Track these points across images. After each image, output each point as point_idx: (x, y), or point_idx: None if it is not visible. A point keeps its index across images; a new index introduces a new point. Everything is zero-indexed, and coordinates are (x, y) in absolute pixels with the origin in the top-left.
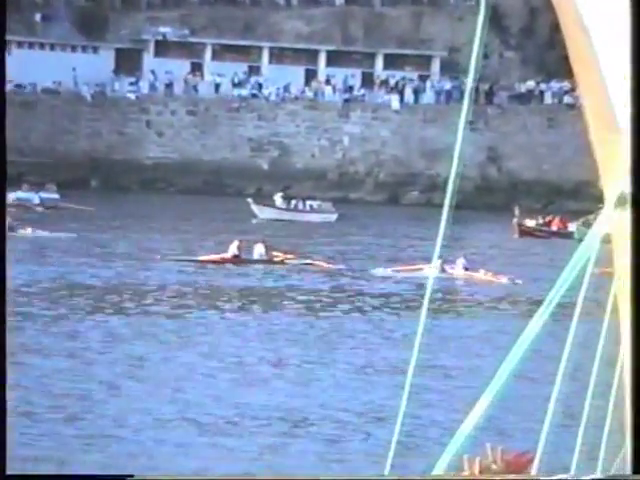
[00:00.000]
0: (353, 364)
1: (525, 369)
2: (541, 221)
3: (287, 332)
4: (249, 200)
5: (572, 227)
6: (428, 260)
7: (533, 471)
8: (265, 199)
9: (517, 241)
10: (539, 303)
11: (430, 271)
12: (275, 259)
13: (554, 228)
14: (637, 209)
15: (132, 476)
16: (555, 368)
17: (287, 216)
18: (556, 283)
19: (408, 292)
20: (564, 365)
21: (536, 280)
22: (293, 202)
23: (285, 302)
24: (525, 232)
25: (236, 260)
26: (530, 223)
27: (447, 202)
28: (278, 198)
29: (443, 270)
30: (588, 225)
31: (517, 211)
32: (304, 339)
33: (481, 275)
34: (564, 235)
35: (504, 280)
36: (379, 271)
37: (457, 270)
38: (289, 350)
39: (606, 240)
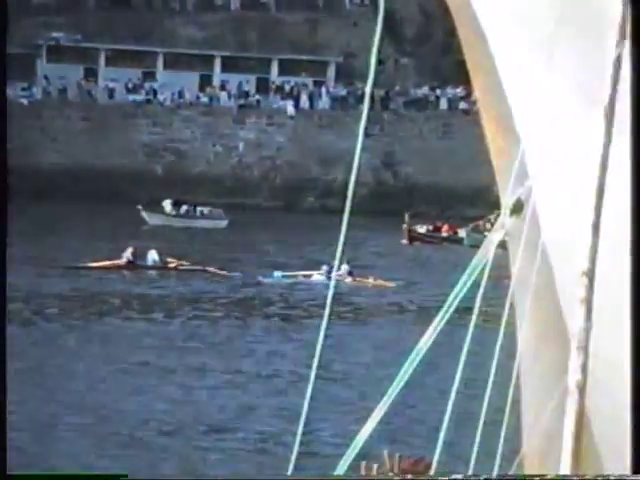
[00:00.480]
0: (246, 372)
1: (423, 376)
2: (431, 227)
3: (179, 339)
4: (139, 207)
5: (462, 233)
6: (319, 266)
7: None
8: (158, 205)
9: (407, 247)
10: (425, 308)
11: (319, 277)
12: (169, 265)
13: (444, 234)
14: (637, 209)
15: (126, 475)
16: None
17: (177, 222)
18: (452, 288)
19: (297, 298)
20: (460, 371)
21: (423, 285)
22: (184, 208)
23: (180, 308)
24: (415, 238)
25: (130, 266)
26: (420, 229)
27: (347, 208)
28: (167, 204)
29: (331, 276)
30: (478, 231)
31: (407, 217)
32: (193, 346)
33: (370, 280)
34: (454, 241)
35: (390, 285)
36: (270, 277)
37: (345, 276)
38: (183, 357)
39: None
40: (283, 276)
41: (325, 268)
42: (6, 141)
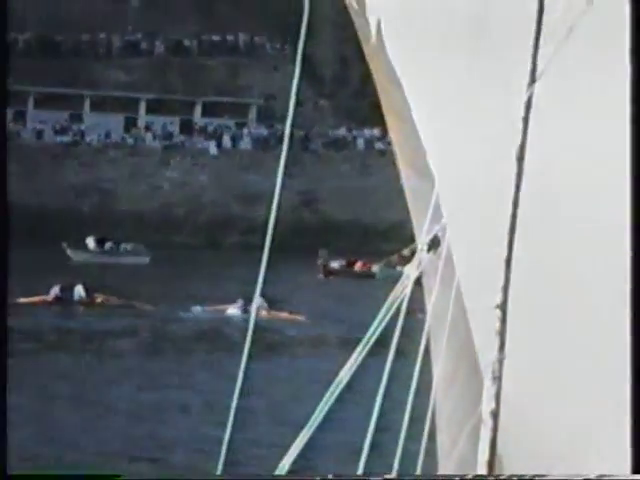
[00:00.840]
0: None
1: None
2: (345, 262)
3: (99, 373)
4: (64, 244)
5: (375, 268)
6: (236, 300)
7: None
8: (83, 243)
9: (322, 281)
10: (340, 339)
11: (234, 310)
12: (97, 300)
13: (357, 269)
14: (637, 211)
15: (119, 476)
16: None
17: (101, 259)
18: (367, 321)
19: (214, 331)
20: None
21: (334, 318)
22: (107, 245)
23: (105, 343)
24: (329, 272)
25: (58, 302)
26: (334, 264)
27: (267, 245)
28: (91, 241)
29: (246, 310)
30: (390, 266)
31: (321, 253)
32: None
33: (284, 314)
34: (367, 275)
35: (301, 319)
36: (189, 311)
37: (260, 310)
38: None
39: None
40: (203, 310)
41: (241, 302)
42: (6, 145)
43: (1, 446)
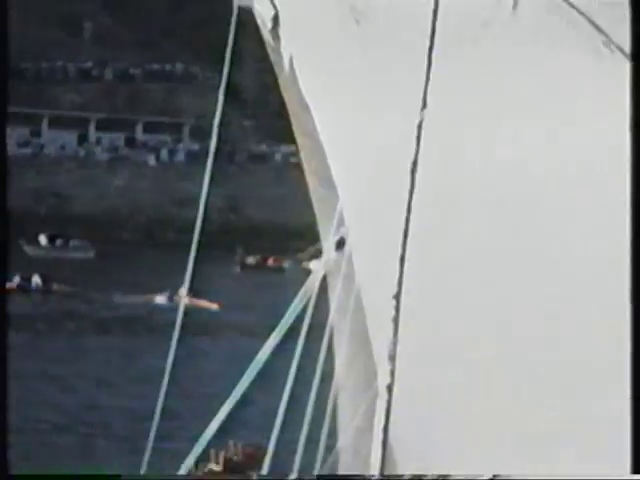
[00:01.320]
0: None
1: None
2: (260, 258)
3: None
4: (20, 241)
5: (286, 264)
6: (164, 289)
7: (266, 462)
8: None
9: (238, 274)
10: (252, 325)
11: (161, 298)
12: (53, 288)
13: (270, 264)
14: (637, 211)
15: (119, 476)
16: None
17: (52, 253)
18: (279, 310)
19: (145, 315)
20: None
21: (245, 306)
22: (58, 241)
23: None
24: (246, 267)
25: (18, 290)
26: (250, 260)
27: (194, 243)
28: (43, 238)
29: (171, 299)
30: (299, 262)
31: (239, 249)
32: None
33: (204, 302)
34: (279, 270)
35: (215, 306)
36: (122, 298)
37: (184, 298)
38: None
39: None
40: (135, 298)
41: (168, 291)
42: (6, 146)
43: (2, 446)
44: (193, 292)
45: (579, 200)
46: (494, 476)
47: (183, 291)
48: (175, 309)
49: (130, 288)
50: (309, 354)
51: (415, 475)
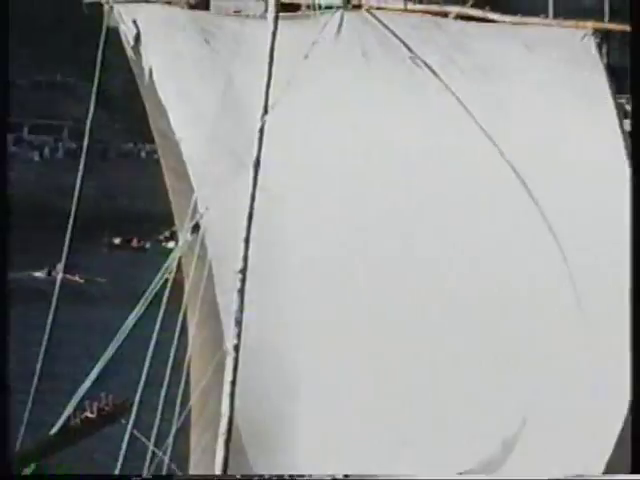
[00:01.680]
0: None
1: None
2: (125, 239)
3: None
4: None
5: (147, 244)
6: (42, 267)
7: (134, 410)
8: None
9: (106, 254)
10: (118, 297)
11: (40, 274)
12: None
13: (134, 244)
14: (637, 210)
15: (120, 476)
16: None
17: None
18: (142, 284)
19: (27, 288)
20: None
21: (114, 281)
22: None
23: None
24: (112, 247)
25: None
26: (116, 240)
27: (70, 226)
28: None
29: (50, 274)
30: (158, 243)
31: (107, 232)
32: None
33: (76, 277)
34: (141, 249)
35: (81, 281)
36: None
37: (59, 274)
38: None
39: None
40: (19, 274)
41: (45, 268)
42: (6, 147)
43: (4, 448)
44: (67, 268)
45: None
46: (345, 476)
47: (60, 267)
48: (53, 283)
49: (16, 266)
50: (170, 325)
51: (273, 475)
